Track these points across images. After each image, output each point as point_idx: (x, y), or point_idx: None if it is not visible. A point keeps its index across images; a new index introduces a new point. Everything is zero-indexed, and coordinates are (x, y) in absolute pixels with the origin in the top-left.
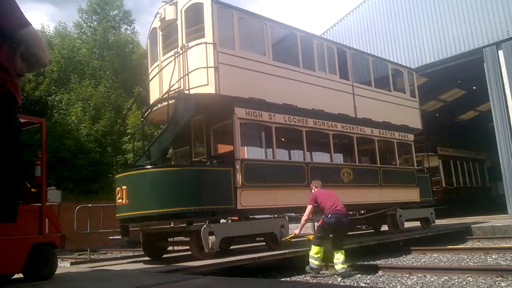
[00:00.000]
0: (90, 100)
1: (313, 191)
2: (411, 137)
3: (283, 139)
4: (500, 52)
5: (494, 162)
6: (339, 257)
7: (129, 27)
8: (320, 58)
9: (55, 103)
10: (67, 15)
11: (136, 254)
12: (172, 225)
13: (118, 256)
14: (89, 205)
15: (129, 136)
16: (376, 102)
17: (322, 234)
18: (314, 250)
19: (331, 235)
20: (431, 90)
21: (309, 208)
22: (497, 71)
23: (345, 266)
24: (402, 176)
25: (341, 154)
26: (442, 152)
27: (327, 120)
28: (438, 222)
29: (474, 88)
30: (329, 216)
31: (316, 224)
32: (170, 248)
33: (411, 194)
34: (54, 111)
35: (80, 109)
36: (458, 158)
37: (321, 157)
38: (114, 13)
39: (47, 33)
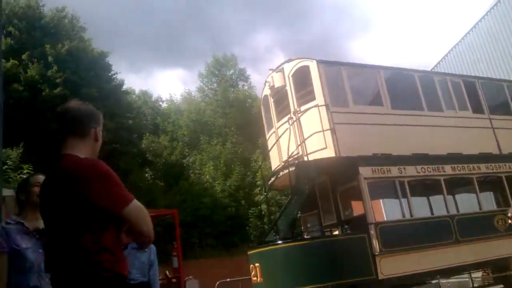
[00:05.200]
0: (220, 158)
1: None
2: None
3: (419, 193)
4: None
5: None
6: None
7: (245, 83)
8: (446, 95)
9: (189, 164)
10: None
11: None
12: None
13: None
14: (228, 279)
15: (259, 188)
16: None
17: None
18: None
19: None
20: None
21: None
22: None
23: None
24: None
25: (492, 199)
26: None
27: (466, 163)
28: None
29: None
30: None
31: None
32: None
33: None
34: (190, 171)
35: (212, 167)
36: None
37: (467, 206)
38: (230, 73)
39: (175, 101)
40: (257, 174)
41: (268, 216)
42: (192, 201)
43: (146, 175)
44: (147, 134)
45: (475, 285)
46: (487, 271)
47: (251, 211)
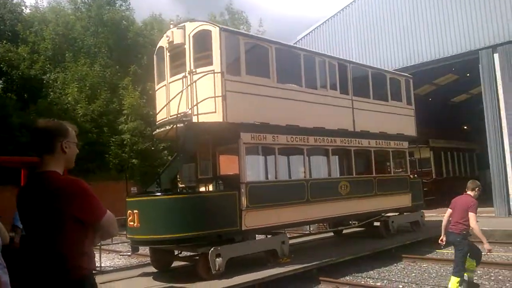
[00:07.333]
0: (86, 80)
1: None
2: (405, 144)
3: (285, 158)
4: (496, 55)
5: (483, 149)
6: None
7: (124, 3)
8: (322, 75)
9: (50, 81)
10: None
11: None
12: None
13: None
14: None
15: (125, 117)
16: (373, 114)
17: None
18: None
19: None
20: (424, 76)
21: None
22: (491, 73)
23: None
24: (395, 184)
25: (340, 167)
26: (434, 144)
27: (327, 136)
28: (428, 214)
29: (468, 74)
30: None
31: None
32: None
33: (404, 200)
34: (50, 90)
35: (76, 89)
36: (449, 149)
37: (321, 172)
38: None
39: (41, 8)
40: (125, 103)
41: (131, 147)
42: None
43: None
44: (4, 41)
45: (312, 231)
46: (324, 225)
47: (113, 139)
